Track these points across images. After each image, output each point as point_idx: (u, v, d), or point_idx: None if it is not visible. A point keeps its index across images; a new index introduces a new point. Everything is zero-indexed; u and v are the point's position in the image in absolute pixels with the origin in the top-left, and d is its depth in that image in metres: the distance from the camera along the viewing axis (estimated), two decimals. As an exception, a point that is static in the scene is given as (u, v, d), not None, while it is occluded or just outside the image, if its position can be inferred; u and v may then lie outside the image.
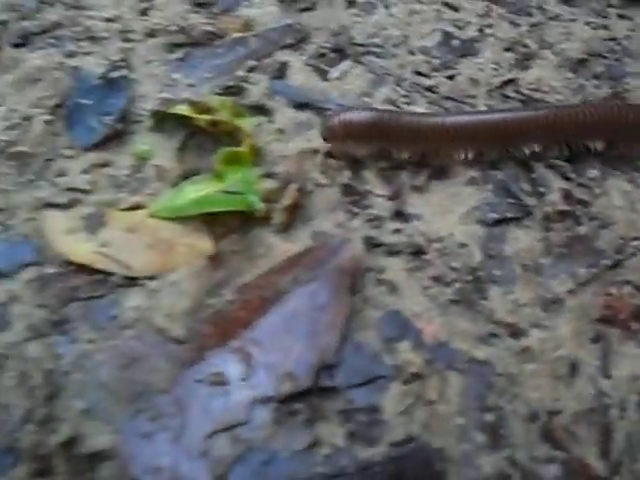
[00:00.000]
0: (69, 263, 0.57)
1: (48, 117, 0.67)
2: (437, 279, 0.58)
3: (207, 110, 0.64)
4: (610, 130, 0.66)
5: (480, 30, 0.81)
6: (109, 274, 0.57)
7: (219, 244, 0.60)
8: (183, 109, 0.63)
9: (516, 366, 0.54)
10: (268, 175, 0.63)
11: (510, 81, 0.76)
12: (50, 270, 0.57)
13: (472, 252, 0.60)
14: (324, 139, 0.65)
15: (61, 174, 0.63)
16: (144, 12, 0.80)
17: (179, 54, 0.74)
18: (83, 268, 0.57)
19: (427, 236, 0.61)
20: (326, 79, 0.75)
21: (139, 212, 0.61)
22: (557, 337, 0.55)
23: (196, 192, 0.59)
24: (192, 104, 0.63)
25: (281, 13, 0.83)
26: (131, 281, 0.57)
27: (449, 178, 0.67)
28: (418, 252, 0.59)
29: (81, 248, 0.57)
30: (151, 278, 0.57)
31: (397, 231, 0.61)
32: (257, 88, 0.71)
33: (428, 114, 0.69)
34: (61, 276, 0.57)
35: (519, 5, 0.87)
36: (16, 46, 0.74)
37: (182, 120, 0.66)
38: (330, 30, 0.81)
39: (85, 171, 0.63)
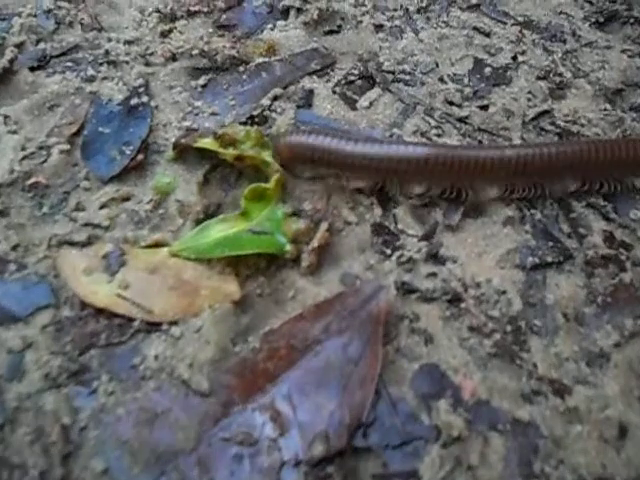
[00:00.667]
0: (87, 306, 0.54)
1: (66, 146, 0.64)
2: (475, 329, 0.55)
3: (232, 142, 0.62)
4: None
5: (513, 57, 0.79)
6: (129, 319, 0.54)
7: (245, 286, 0.57)
8: (207, 143, 0.61)
9: (561, 427, 0.50)
10: (295, 213, 0.60)
11: (545, 112, 0.73)
12: (67, 314, 0.54)
13: (511, 300, 0.57)
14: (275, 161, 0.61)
15: (79, 208, 0.61)
16: (165, 34, 0.78)
17: (202, 80, 0.72)
18: (102, 312, 0.54)
19: (463, 281, 0.58)
20: (354, 108, 0.72)
21: (161, 250, 0.58)
22: (604, 395, 0.52)
23: (221, 231, 0.56)
24: (217, 136, 0.61)
25: (306, 36, 0.80)
26: (152, 327, 0.54)
27: (484, 217, 0.64)
28: (454, 299, 0.56)
29: (100, 290, 0.54)
30: (173, 323, 0.54)
31: (432, 275, 0.58)
32: (283, 118, 0.69)
33: (379, 141, 0.62)
34: (79, 320, 0.54)
35: (552, 31, 0.84)
36: (33, 69, 0.71)
37: (205, 151, 0.65)
38: (357, 55, 0.78)
39: (104, 205, 0.61)
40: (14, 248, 0.57)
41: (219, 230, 0.57)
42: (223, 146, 0.61)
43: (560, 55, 0.80)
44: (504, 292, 0.57)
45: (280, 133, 0.64)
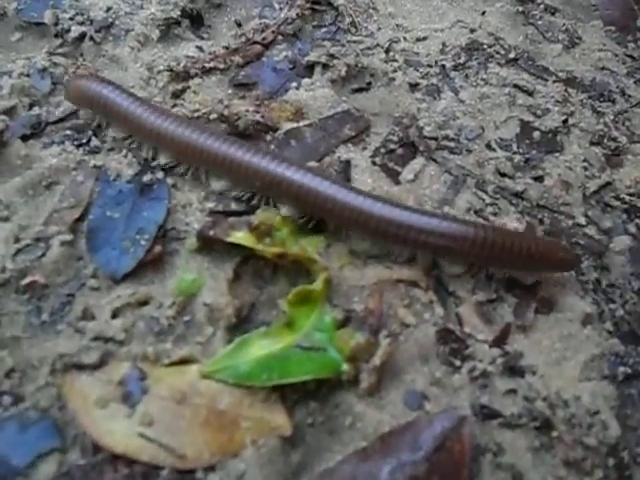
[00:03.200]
0: (102, 449, 0.44)
1: (68, 236, 0.54)
2: (571, 464, 0.47)
3: (268, 232, 0.54)
4: None
5: (563, 121, 0.72)
6: (156, 467, 0.44)
7: (294, 414, 0.47)
8: (242, 237, 0.51)
9: None
10: (346, 317, 0.52)
11: (607, 184, 0.67)
12: (76, 460, 0.43)
13: (606, 422, 0.49)
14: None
15: (87, 316, 0.50)
16: (178, 95, 0.68)
17: (224, 151, 0.64)
18: (121, 458, 0.44)
19: (549, 400, 0.50)
20: (398, 181, 0.64)
21: (189, 370, 0.48)
22: None
23: (263, 348, 0.47)
24: (252, 228, 0.52)
25: (334, 96, 0.72)
26: (185, 475, 0.45)
27: (557, 312, 0.57)
28: (543, 425, 0.48)
29: (117, 428, 0.44)
30: (210, 469, 0.45)
31: (511, 392, 0.50)
32: (321, 197, 0.61)
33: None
34: (92, 470, 0.43)
35: (598, 89, 0.78)
36: (26, 139, 0.61)
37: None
38: (392, 117, 0.71)
39: (118, 312, 0.51)
40: (8, 374, 0.46)
41: (261, 347, 0.47)
42: (259, 238, 0.52)
43: (612, 117, 0.74)
44: (597, 412, 0.49)
45: (78, 75, 0.66)
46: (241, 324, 0.53)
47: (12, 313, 0.51)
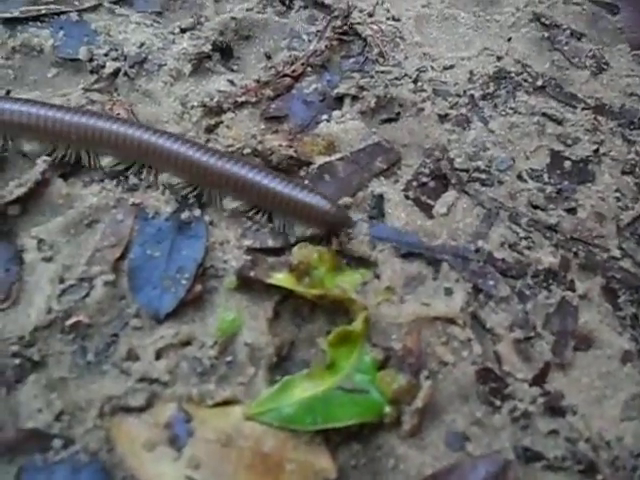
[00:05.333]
0: (151, 493, 0.46)
1: (110, 276, 0.55)
2: (618, 509, 0.47)
3: (306, 271, 0.54)
4: None
5: (594, 150, 0.72)
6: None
7: (337, 456, 0.48)
8: (282, 279, 0.52)
9: None
10: (386, 357, 0.52)
11: (640, 216, 0.68)
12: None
13: (650, 464, 0.50)
14: None
15: (131, 357, 0.51)
16: (211, 130, 0.70)
17: (258, 186, 0.65)
18: (170, 501, 0.46)
19: (591, 441, 0.49)
20: (431, 215, 0.64)
21: (233, 411, 0.49)
22: None
23: (306, 390, 0.48)
24: (292, 269, 0.53)
25: (365, 128, 0.72)
26: None
27: (596, 349, 0.57)
28: (588, 469, 0.48)
29: (166, 471, 0.44)
30: (257, 512, 0.46)
31: (553, 433, 0.50)
32: (356, 233, 0.60)
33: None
34: (142, 513, 0.45)
35: (628, 117, 0.78)
36: (66, 178, 0.63)
37: (274, 280, 0.57)
38: (422, 149, 0.71)
39: (161, 352, 0.51)
40: (58, 417, 0.47)
41: (304, 389, 0.48)
42: (298, 278, 0.53)
43: (642, 145, 0.75)
44: (640, 454, 0.50)
45: None
46: (281, 363, 0.54)
47: (58, 354, 0.52)
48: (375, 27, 0.84)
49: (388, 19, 0.87)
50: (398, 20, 0.86)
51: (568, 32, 0.90)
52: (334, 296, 0.51)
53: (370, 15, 0.87)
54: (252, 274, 0.53)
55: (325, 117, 0.74)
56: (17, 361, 0.50)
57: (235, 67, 0.81)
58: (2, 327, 0.52)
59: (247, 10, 0.84)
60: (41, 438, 0.46)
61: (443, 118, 0.75)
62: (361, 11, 0.87)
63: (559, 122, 0.76)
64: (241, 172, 0.59)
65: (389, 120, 0.75)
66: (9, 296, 0.53)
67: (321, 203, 0.58)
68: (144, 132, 0.61)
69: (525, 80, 0.81)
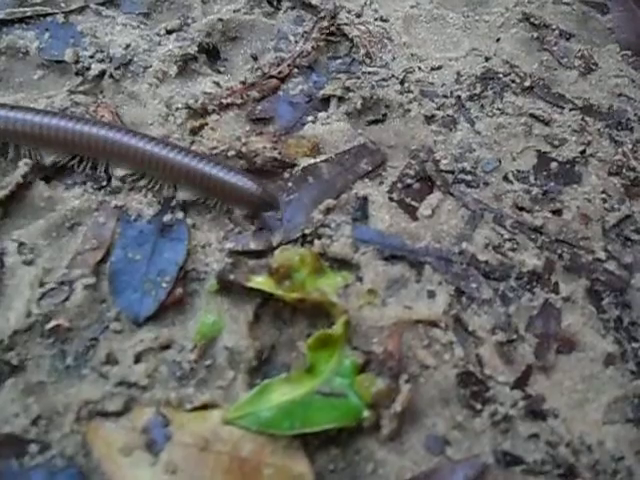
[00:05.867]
0: (127, 498, 0.46)
1: (91, 280, 0.54)
2: (597, 514, 0.47)
3: (286, 274, 0.54)
4: None
5: (581, 151, 0.72)
6: (180, 516, 0.45)
7: (315, 460, 0.47)
8: (262, 282, 0.52)
9: None
10: (366, 360, 0.52)
11: (627, 217, 0.67)
12: (106, 510, 0.45)
13: (631, 468, 0.48)
14: None
15: (110, 360, 0.51)
16: (196, 132, 0.69)
17: (242, 189, 0.65)
18: (145, 506, 0.45)
19: (572, 445, 0.49)
20: (415, 217, 0.64)
21: (211, 415, 0.48)
22: None
23: (285, 395, 0.47)
24: (271, 272, 0.53)
25: (350, 129, 0.72)
26: None
27: (578, 351, 0.56)
28: (566, 472, 0.47)
29: (141, 477, 0.44)
30: (233, 518, 0.46)
31: (533, 437, 0.50)
32: (338, 235, 0.60)
33: None
34: (117, 520, 0.45)
35: (616, 117, 0.77)
36: (49, 181, 0.62)
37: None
38: (408, 150, 0.71)
39: (140, 356, 0.51)
40: (35, 422, 0.47)
41: (282, 393, 0.47)
42: (278, 281, 0.53)
43: (630, 146, 0.74)
44: (621, 458, 0.49)
45: None
46: (261, 367, 0.53)
47: (37, 357, 0.52)
48: (362, 28, 0.83)
49: (376, 20, 0.86)
50: (386, 21, 0.86)
51: (557, 32, 0.90)
52: (314, 299, 0.51)
53: (358, 16, 0.87)
54: (232, 277, 0.53)
55: (311, 118, 0.73)
56: (-4, 365, 0.51)
57: (222, 69, 0.80)
58: (-19, 331, 0.52)
59: (234, 11, 0.84)
60: (17, 443, 0.46)
61: (430, 119, 0.74)
62: (349, 12, 0.86)
63: (546, 123, 0.76)
64: (167, 154, 0.60)
65: (375, 121, 0.75)
66: (-12, 300, 0.54)
67: (247, 184, 0.59)
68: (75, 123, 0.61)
69: (513, 81, 0.80)
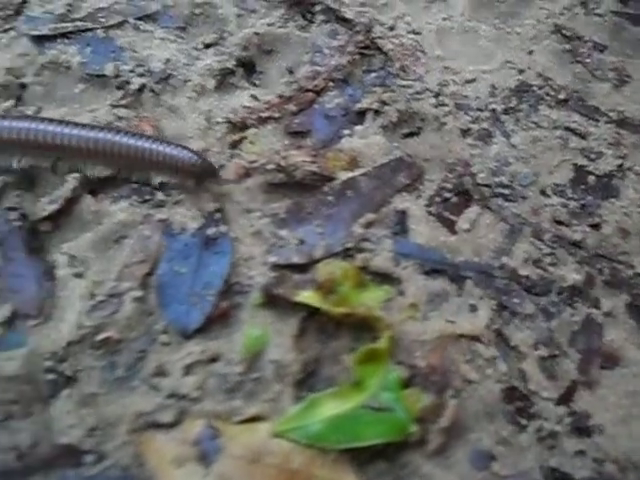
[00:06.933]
0: (180, 509, 0.47)
1: (139, 293, 0.56)
2: (645, 531, 0.47)
3: (331, 288, 0.55)
4: None
5: (618, 165, 0.72)
6: (233, 528, 0.46)
7: (363, 473, 0.48)
8: (309, 297, 0.52)
9: None
10: (411, 375, 0.52)
11: (666, 232, 0.67)
12: (156, 519, 0.46)
13: (679, 487, 0.49)
14: None
15: (160, 372, 0.52)
16: (235, 145, 0.71)
17: (283, 202, 0.64)
18: (198, 519, 0.46)
19: (618, 462, 0.50)
20: (454, 231, 0.65)
21: (260, 428, 0.50)
22: None
23: (333, 409, 0.48)
24: (318, 287, 0.53)
25: (386, 142, 0.73)
26: None
27: (622, 367, 0.56)
28: (614, 489, 0.49)
29: (194, 487, 0.47)
30: (284, 530, 0.47)
31: (580, 453, 0.50)
32: (379, 249, 0.60)
33: None
34: (172, 529, 0.46)
35: (652, 131, 0.78)
36: (95, 194, 0.64)
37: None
38: (445, 164, 0.72)
39: (189, 368, 0.52)
40: (90, 433, 0.49)
41: (330, 407, 0.48)
42: (324, 296, 0.54)
43: (667, 158, 0.74)
44: (668, 476, 0.50)
45: None
46: (307, 380, 0.54)
47: (88, 369, 0.53)
48: (396, 41, 0.84)
49: (409, 33, 0.87)
50: (419, 34, 0.87)
51: (590, 44, 0.90)
52: (360, 314, 0.52)
53: (391, 29, 0.87)
54: (278, 292, 0.54)
55: (347, 132, 0.74)
56: (51, 376, 0.52)
57: (258, 82, 0.82)
58: (36, 343, 0.53)
59: (269, 25, 0.85)
60: (74, 453, 0.47)
61: (465, 132, 0.75)
62: (382, 25, 0.87)
63: (582, 136, 0.76)
64: (105, 137, 0.63)
65: (411, 134, 0.75)
66: (42, 312, 0.55)
67: (186, 155, 0.63)
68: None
69: (547, 94, 0.80)
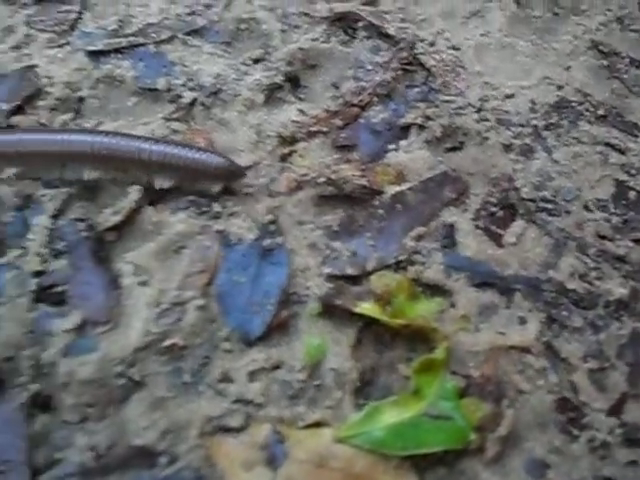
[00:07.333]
0: (252, 509, 0.49)
1: (201, 301, 0.58)
2: (699, 540, 0.49)
3: (388, 299, 0.57)
4: None
5: (659, 181, 0.74)
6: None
7: (424, 479, 0.51)
8: (369, 309, 0.55)
9: None
10: (466, 385, 0.55)
11: None
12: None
13: None
14: None
15: (225, 378, 0.55)
16: (285, 159, 0.74)
17: (334, 215, 0.67)
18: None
19: (671, 473, 0.52)
20: (501, 244, 0.67)
21: (323, 433, 0.52)
22: None
23: (393, 416, 0.50)
24: (377, 299, 0.56)
25: (431, 157, 0.75)
26: None
27: (671, 381, 0.58)
28: (668, 500, 0.50)
29: (264, 490, 0.49)
30: (350, 532, 0.49)
31: (632, 464, 0.52)
32: (430, 262, 0.62)
33: None
34: (244, 530, 0.48)
35: (690, 146, 0.79)
36: (154, 204, 0.67)
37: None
38: (488, 179, 0.73)
39: (253, 375, 0.55)
40: (163, 435, 0.51)
41: (392, 415, 0.50)
42: (382, 307, 0.56)
43: None
44: None
45: None
46: (364, 388, 0.56)
47: (156, 374, 0.56)
48: (437, 57, 0.86)
49: (448, 48, 0.89)
50: (458, 49, 0.89)
51: (627, 60, 0.91)
52: (417, 325, 0.54)
53: (431, 45, 0.90)
54: (338, 302, 0.56)
55: (393, 146, 0.76)
56: (121, 381, 0.54)
57: (303, 96, 0.84)
58: (106, 349, 0.55)
59: (312, 40, 0.87)
60: (148, 455, 0.50)
61: (507, 148, 0.77)
62: (422, 41, 0.90)
63: (622, 152, 0.78)
64: (138, 145, 0.65)
65: (453, 149, 0.78)
66: (110, 319, 0.58)
67: (212, 158, 0.65)
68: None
69: (586, 109, 0.82)
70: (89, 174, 0.65)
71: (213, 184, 0.66)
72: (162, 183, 0.66)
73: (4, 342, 0.55)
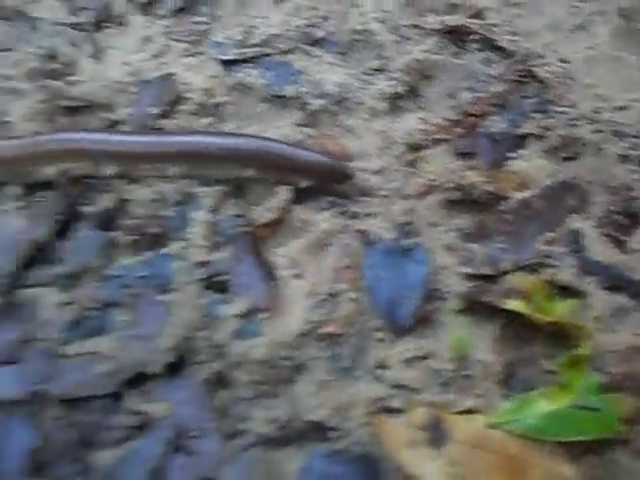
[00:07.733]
0: (415, 481, 0.54)
1: (352, 294, 0.64)
2: None
3: (530, 297, 0.61)
4: None
5: None
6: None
7: (578, 467, 0.55)
8: (519, 305, 0.60)
9: None
10: (609, 381, 0.59)
11: None
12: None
13: None
14: None
15: (380, 365, 0.60)
16: (411, 164, 0.79)
17: (464, 219, 0.71)
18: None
19: None
20: (626, 251, 0.70)
21: (476, 419, 0.56)
22: None
23: (544, 407, 0.54)
24: (522, 296, 0.60)
25: (549, 166, 0.79)
26: None
27: None
28: None
29: (427, 467, 0.53)
30: (511, 509, 0.53)
31: None
32: (562, 265, 0.67)
33: None
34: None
35: None
36: (301, 204, 0.72)
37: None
38: (606, 188, 0.77)
39: (407, 363, 0.60)
40: (333, 412, 0.56)
41: (542, 405, 0.54)
42: (527, 304, 0.60)
43: None
44: None
45: None
46: (507, 380, 0.60)
47: (316, 358, 0.61)
48: (548, 69, 0.90)
49: (558, 61, 0.93)
50: (567, 62, 0.92)
51: None
52: (564, 322, 0.58)
53: (541, 57, 0.93)
54: (484, 299, 0.61)
55: (512, 155, 0.81)
56: (287, 363, 0.60)
57: (422, 105, 0.89)
58: (271, 333, 0.61)
59: (425, 51, 0.92)
60: (322, 429, 0.55)
61: (624, 158, 0.80)
62: (532, 53, 0.93)
63: None
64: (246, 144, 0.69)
65: (570, 159, 0.81)
66: (272, 307, 0.63)
67: (318, 157, 0.68)
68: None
69: (697, 123, 0.85)
70: (241, 173, 0.72)
71: (319, 183, 0.70)
72: (303, 183, 0.73)
73: (182, 323, 0.61)
